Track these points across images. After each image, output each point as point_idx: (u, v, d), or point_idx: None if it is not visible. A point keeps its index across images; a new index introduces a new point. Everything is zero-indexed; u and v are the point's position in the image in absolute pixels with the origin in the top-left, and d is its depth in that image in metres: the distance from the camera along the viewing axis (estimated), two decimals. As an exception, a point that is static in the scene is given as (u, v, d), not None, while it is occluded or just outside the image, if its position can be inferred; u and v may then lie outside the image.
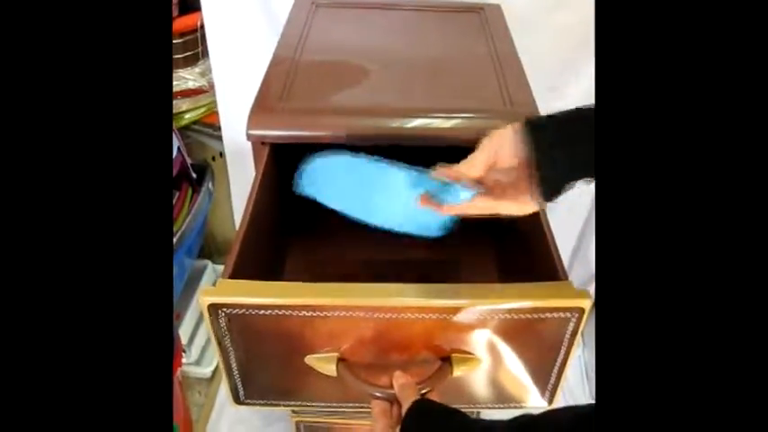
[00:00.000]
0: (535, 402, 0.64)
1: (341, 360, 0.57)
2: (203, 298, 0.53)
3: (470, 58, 0.84)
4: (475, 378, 0.60)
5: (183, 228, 1.16)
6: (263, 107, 0.73)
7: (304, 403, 0.64)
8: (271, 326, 0.54)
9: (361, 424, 0.93)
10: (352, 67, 0.81)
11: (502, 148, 0.52)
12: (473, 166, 0.53)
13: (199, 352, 1.29)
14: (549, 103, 0.75)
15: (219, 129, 1.24)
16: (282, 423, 1.19)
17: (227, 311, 0.53)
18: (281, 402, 0.64)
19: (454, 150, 0.58)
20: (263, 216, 0.68)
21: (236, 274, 0.57)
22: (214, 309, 0.53)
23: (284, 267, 0.83)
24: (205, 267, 1.38)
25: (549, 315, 0.54)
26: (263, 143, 0.72)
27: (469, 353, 0.57)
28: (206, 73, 1.20)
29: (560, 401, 1.04)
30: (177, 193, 1.19)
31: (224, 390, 1.28)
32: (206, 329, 1.30)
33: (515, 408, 0.65)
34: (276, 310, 0.53)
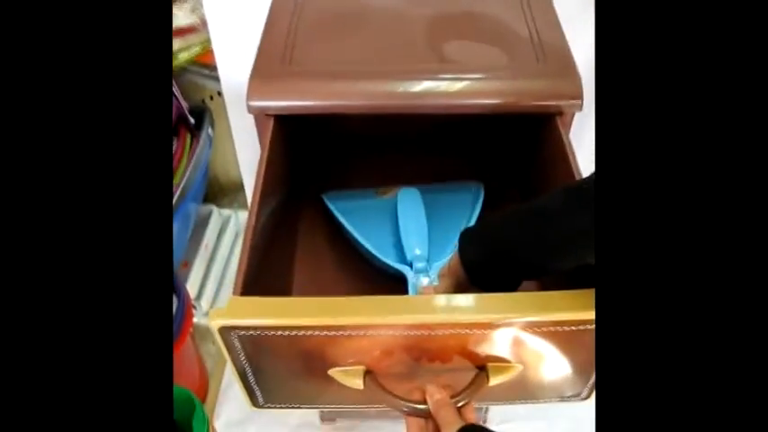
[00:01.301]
0: (571, 397, 0.60)
1: (368, 372, 0.52)
2: (213, 321, 0.47)
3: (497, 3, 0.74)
4: (509, 380, 0.56)
5: (186, 177, 1.10)
6: (263, 73, 0.64)
7: (328, 407, 0.60)
8: (289, 345, 0.49)
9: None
10: (361, 18, 0.72)
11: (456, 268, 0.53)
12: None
13: (210, 302, 1.25)
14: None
15: (215, 68, 1.15)
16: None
17: (240, 333, 0.48)
18: (304, 406, 0.60)
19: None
20: (270, 207, 0.61)
21: (247, 286, 0.51)
22: (226, 331, 0.48)
23: (295, 257, 0.77)
24: (210, 213, 1.32)
25: (592, 326, 0.48)
26: (266, 115, 0.64)
27: (506, 360, 0.52)
28: (197, 8, 1.09)
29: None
30: (175, 141, 1.12)
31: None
32: (215, 277, 1.27)
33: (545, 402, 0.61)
34: (294, 331, 0.47)
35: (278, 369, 0.53)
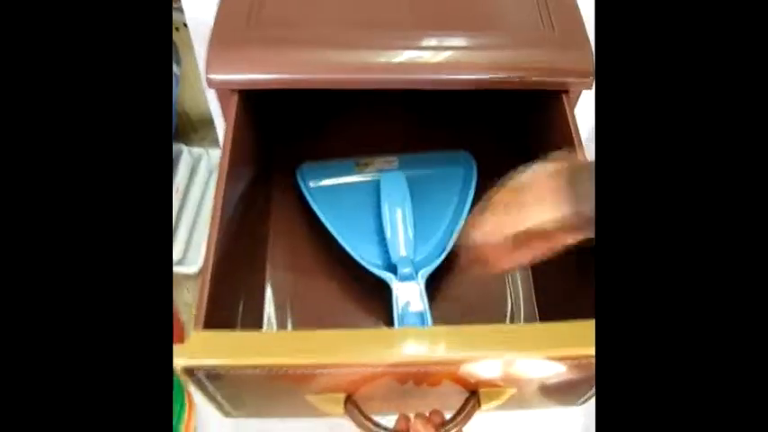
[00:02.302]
0: (566, 404, 0.56)
1: (349, 397, 0.47)
2: (177, 360, 0.41)
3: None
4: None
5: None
6: (224, 40, 0.55)
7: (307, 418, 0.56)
8: (261, 378, 0.44)
9: None
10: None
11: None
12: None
13: (182, 250, 1.19)
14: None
15: (179, -1, 1.03)
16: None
17: (206, 371, 0.42)
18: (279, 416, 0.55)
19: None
20: (237, 195, 0.54)
21: (211, 313, 0.45)
22: (189, 371, 0.42)
23: (267, 246, 0.70)
24: (181, 153, 1.24)
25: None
26: (231, 90, 0.56)
27: (499, 385, 0.48)
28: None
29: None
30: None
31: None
32: (188, 222, 1.20)
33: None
34: (267, 369, 0.42)
35: (250, 395, 0.48)
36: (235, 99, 0.55)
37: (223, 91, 0.56)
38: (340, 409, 0.47)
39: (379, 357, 0.41)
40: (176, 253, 1.18)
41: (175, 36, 1.14)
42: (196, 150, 1.30)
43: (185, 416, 0.89)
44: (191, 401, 0.91)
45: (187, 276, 1.21)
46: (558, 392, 0.52)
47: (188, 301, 1.20)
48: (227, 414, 0.54)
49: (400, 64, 0.54)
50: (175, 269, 1.19)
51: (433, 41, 0.55)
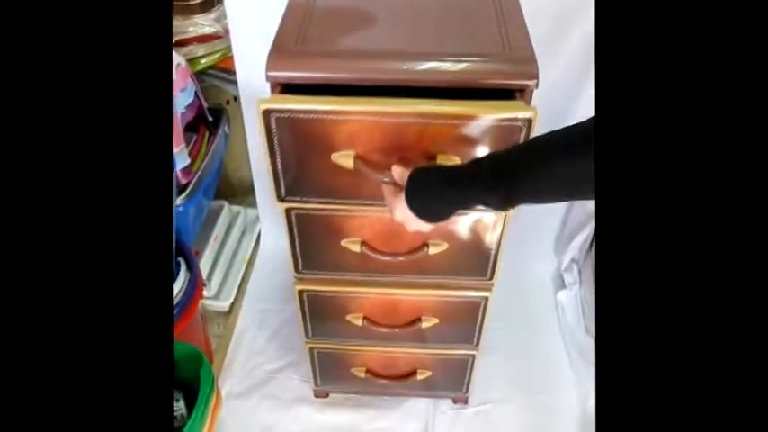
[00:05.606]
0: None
1: (357, 157, 0.75)
2: (261, 105, 0.72)
3: (474, 4, 0.89)
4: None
5: (202, 169, 1.22)
6: (280, 51, 0.78)
7: (332, 200, 0.84)
8: (306, 126, 0.73)
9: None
10: (363, 12, 0.86)
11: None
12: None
13: (217, 287, 1.37)
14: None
15: (234, 73, 1.29)
16: (296, 353, 1.27)
17: (277, 115, 0.72)
18: (314, 201, 0.84)
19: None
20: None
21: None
22: (267, 112, 0.72)
23: None
24: (222, 208, 1.45)
25: (507, 123, 0.72)
26: (280, 84, 0.77)
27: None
28: (221, 18, 1.23)
29: (558, 337, 1.20)
30: (195, 136, 1.25)
31: (241, 323, 1.36)
32: (223, 266, 1.38)
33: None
34: (311, 114, 0.72)
35: (299, 152, 0.77)
36: (278, 90, 0.77)
37: (276, 86, 0.78)
38: (350, 161, 0.75)
39: (381, 106, 0.72)
40: (212, 290, 1.36)
41: (227, 107, 1.39)
42: (235, 208, 1.51)
43: (213, 401, 1.02)
44: (218, 394, 1.05)
45: (219, 313, 1.38)
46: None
47: (217, 333, 1.35)
48: (281, 196, 0.82)
49: (411, 70, 0.76)
50: (209, 304, 1.36)
51: (435, 56, 0.78)
